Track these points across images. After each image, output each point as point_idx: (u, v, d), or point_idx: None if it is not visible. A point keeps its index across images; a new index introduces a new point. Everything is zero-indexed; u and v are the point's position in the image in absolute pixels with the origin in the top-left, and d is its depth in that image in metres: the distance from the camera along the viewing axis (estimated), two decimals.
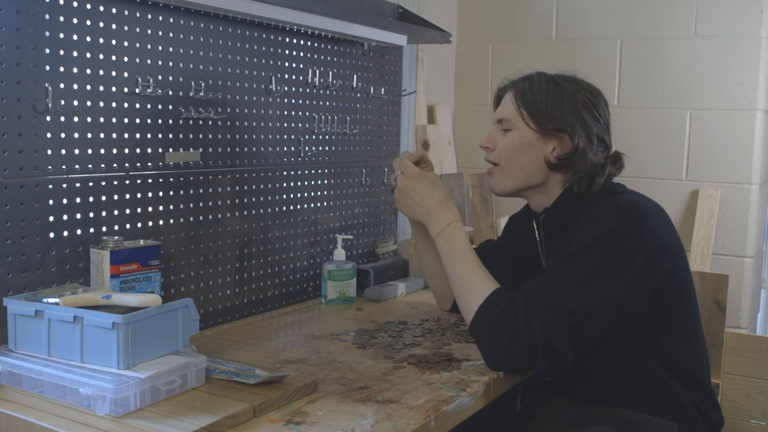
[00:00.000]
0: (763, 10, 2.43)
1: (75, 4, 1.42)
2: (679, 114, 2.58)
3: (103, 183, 1.49)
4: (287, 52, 1.91)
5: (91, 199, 1.46)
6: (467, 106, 2.98)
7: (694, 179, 2.57)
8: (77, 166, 1.44)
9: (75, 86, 1.42)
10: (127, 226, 1.54)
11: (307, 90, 1.98)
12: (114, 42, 1.49)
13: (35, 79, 1.36)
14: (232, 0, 1.62)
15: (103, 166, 1.49)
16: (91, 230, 1.47)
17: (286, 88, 1.91)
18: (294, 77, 1.94)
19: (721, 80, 2.50)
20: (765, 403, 2.09)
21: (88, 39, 1.44)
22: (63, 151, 1.41)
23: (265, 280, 1.89)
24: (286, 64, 1.91)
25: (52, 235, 1.40)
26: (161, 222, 1.61)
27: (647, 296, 1.40)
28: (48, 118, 1.38)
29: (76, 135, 1.43)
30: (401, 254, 2.33)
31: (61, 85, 1.40)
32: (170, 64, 1.61)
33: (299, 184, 1.98)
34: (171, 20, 1.60)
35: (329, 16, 1.81)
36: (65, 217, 1.42)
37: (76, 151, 1.43)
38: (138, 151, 1.55)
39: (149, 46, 1.56)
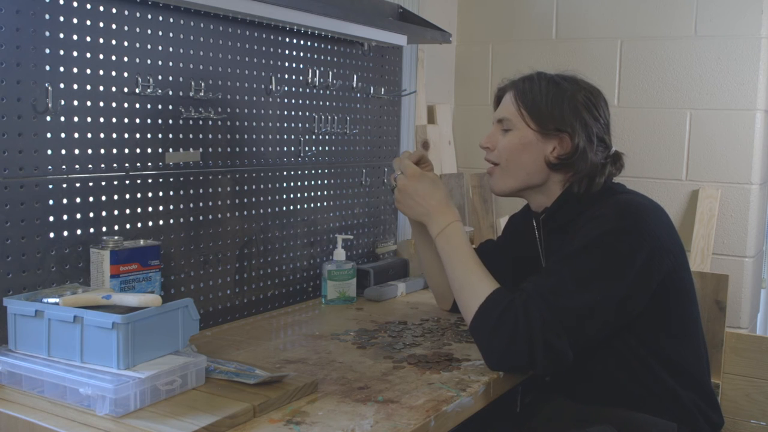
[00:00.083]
0: (763, 10, 2.43)
1: (75, 4, 1.42)
2: (679, 114, 2.58)
3: (103, 183, 1.49)
4: (287, 52, 1.91)
5: (91, 199, 1.46)
6: (467, 106, 2.98)
7: (694, 179, 2.57)
8: (77, 166, 1.44)
9: (75, 86, 1.42)
10: (127, 226, 1.54)
11: (307, 90, 1.98)
12: (114, 42, 1.49)
13: (35, 79, 1.36)
14: (232, 0, 1.62)
15: (103, 166, 1.49)
16: (91, 230, 1.47)
17: (286, 88, 1.91)
18: (294, 77, 1.94)
19: (721, 80, 2.50)
20: (765, 403, 2.09)
21: (88, 39, 1.44)
22: (63, 151, 1.41)
23: (265, 280, 1.89)
24: (286, 64, 1.91)
25: (52, 235, 1.40)
26: (161, 222, 1.61)
27: (647, 296, 1.40)
28: (48, 118, 1.38)
29: (76, 135, 1.43)
30: (401, 254, 2.33)
31: (61, 85, 1.40)
32: (170, 64, 1.61)
33: (299, 184, 1.98)
34: (171, 20, 1.60)
35: (329, 16, 1.81)
36: (65, 217, 1.42)
37: (76, 151, 1.43)
38: (138, 151, 1.55)
39: (149, 46, 1.56)
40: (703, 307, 2.05)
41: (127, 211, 1.54)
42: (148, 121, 1.57)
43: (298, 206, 1.98)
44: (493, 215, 2.84)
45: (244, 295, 1.83)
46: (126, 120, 1.52)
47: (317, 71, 2.00)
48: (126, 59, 1.51)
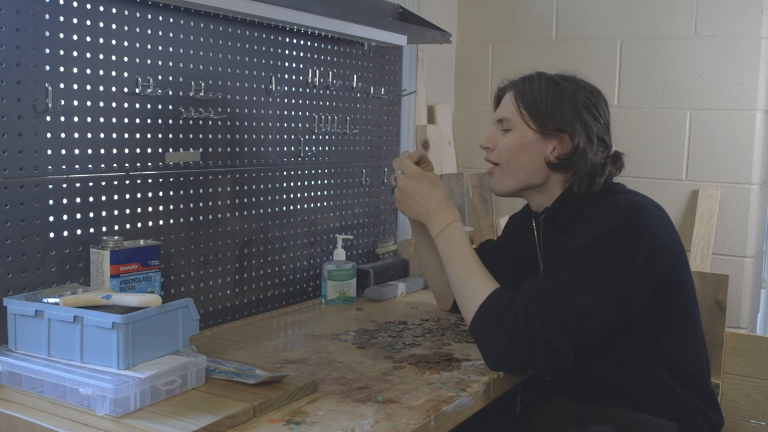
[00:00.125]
0: (763, 10, 2.43)
1: (75, 4, 1.42)
2: (679, 114, 2.58)
3: (103, 183, 1.49)
4: (287, 52, 1.91)
5: (91, 199, 1.46)
6: (467, 106, 2.98)
7: (694, 179, 2.57)
8: (77, 166, 1.44)
9: (75, 86, 1.42)
10: (127, 226, 1.54)
11: (307, 90, 1.98)
12: (114, 42, 1.49)
13: (35, 79, 1.36)
14: (232, 0, 1.62)
15: (103, 166, 1.49)
16: (91, 230, 1.47)
17: (286, 88, 1.91)
18: (294, 77, 1.94)
19: (721, 80, 2.50)
20: (765, 403, 2.09)
21: (88, 39, 1.44)
22: (63, 151, 1.41)
23: (265, 280, 1.89)
24: (286, 64, 1.91)
25: (52, 235, 1.40)
26: (161, 222, 1.61)
27: (647, 296, 1.40)
28: (48, 118, 1.38)
29: (76, 135, 1.43)
30: (401, 254, 2.33)
31: (61, 85, 1.40)
32: (170, 64, 1.61)
33: (299, 184, 1.98)
34: (171, 20, 1.60)
35: (329, 16, 1.81)
36: (65, 217, 1.42)
37: (76, 151, 1.43)
38: (138, 151, 1.55)
39: (149, 46, 1.56)
40: (703, 307, 2.05)
41: (127, 211, 1.54)
42: (148, 121, 1.57)
43: (298, 206, 1.98)
44: (493, 215, 2.84)
45: (244, 295, 1.83)
46: (126, 120, 1.52)
47: (317, 71, 2.00)
48: (126, 59, 1.51)
